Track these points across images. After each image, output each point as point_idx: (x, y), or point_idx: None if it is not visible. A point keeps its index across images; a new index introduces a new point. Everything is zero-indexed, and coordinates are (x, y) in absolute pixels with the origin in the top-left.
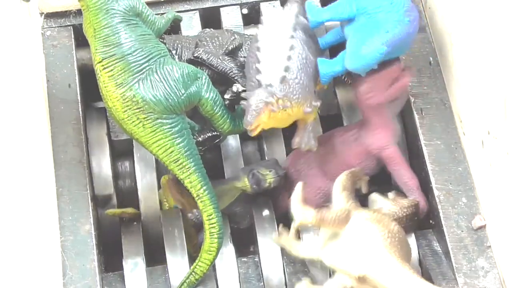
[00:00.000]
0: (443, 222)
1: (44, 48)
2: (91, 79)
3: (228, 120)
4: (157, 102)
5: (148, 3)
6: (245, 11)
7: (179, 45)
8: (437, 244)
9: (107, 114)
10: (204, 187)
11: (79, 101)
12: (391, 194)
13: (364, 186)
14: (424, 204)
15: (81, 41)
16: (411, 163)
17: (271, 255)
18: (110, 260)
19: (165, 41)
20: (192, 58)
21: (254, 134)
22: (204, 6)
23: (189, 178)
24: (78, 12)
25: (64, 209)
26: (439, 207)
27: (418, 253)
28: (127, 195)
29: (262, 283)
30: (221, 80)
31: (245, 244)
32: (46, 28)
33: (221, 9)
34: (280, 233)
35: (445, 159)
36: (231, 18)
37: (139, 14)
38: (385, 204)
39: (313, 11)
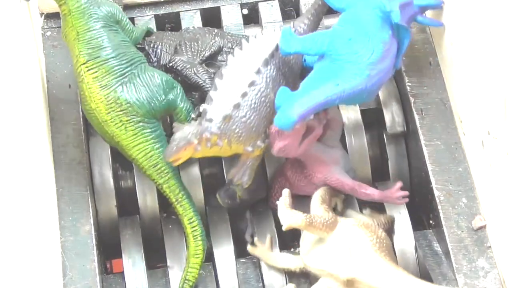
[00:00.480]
0: (443, 223)
1: (44, 49)
2: None
3: None
4: (141, 105)
5: (148, 4)
6: (245, 11)
7: (159, 47)
8: (437, 244)
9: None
10: (183, 192)
11: (79, 101)
12: (366, 211)
13: (340, 204)
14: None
15: None
16: (411, 163)
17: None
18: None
19: (145, 44)
20: (168, 67)
21: (175, 165)
22: (204, 7)
23: (167, 183)
24: None
25: (64, 210)
26: (439, 207)
27: (417, 252)
28: (127, 196)
29: (261, 283)
30: (196, 88)
31: (245, 245)
32: (46, 28)
33: (222, 7)
34: (255, 245)
35: (445, 159)
36: (232, 17)
37: (119, 22)
38: (362, 219)
39: (285, 39)
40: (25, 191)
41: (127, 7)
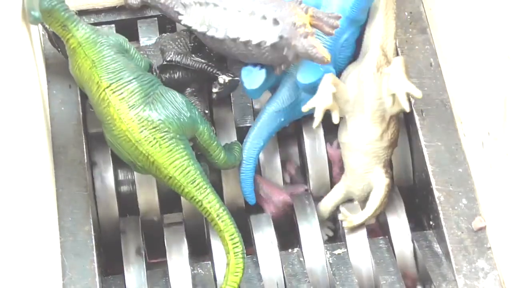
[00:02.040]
0: (443, 223)
1: (45, 49)
2: None
3: (223, 151)
4: (171, 121)
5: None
6: None
7: (145, 55)
8: (437, 245)
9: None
10: (223, 207)
11: (79, 102)
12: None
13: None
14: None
15: None
16: (411, 164)
17: (269, 254)
18: (110, 261)
19: None
20: (165, 63)
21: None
22: None
23: (207, 198)
24: (79, 13)
25: (64, 210)
26: (439, 208)
27: (415, 254)
28: (127, 196)
29: (263, 282)
30: (197, 78)
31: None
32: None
33: None
34: None
35: (445, 160)
36: None
37: (127, 51)
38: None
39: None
40: (25, 191)
41: (127, 8)
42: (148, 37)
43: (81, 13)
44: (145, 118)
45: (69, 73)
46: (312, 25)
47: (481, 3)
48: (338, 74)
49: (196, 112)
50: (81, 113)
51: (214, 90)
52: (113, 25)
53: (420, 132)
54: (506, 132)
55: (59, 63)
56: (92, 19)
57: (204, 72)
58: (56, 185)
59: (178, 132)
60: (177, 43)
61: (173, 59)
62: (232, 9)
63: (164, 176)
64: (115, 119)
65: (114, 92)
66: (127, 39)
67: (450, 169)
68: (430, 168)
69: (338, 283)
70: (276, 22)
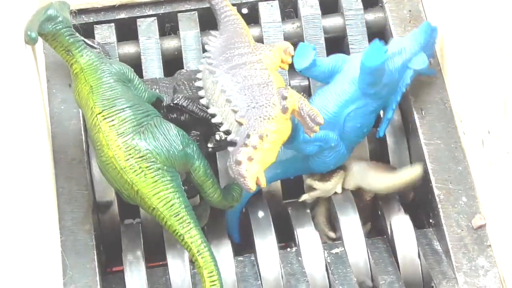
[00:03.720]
0: (443, 221)
1: (45, 48)
2: None
3: (218, 190)
4: (159, 152)
5: (148, 3)
6: (245, 10)
7: (157, 91)
8: (437, 243)
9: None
10: (205, 243)
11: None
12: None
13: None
14: None
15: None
16: (411, 163)
17: (268, 254)
18: (110, 260)
19: None
20: (172, 104)
21: (263, 185)
22: (204, 6)
23: (189, 233)
24: (79, 12)
25: (64, 209)
26: (439, 206)
27: (418, 252)
28: None
29: (260, 281)
30: (202, 123)
31: (242, 244)
32: None
33: None
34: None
35: (445, 158)
36: None
37: (131, 81)
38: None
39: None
40: (25, 190)
41: (127, 7)
42: (147, 36)
43: (81, 12)
44: (132, 146)
45: (69, 72)
46: (296, 117)
47: (481, 2)
48: (349, 142)
49: (194, 148)
50: (81, 113)
51: (209, 145)
52: (112, 24)
53: (419, 131)
54: (506, 130)
55: (59, 63)
56: (91, 18)
57: (207, 121)
58: (57, 184)
59: (165, 164)
60: (190, 84)
61: (180, 103)
62: (221, 85)
63: (147, 206)
64: (103, 145)
65: (105, 119)
66: (132, 70)
67: (450, 167)
68: (429, 166)
69: (337, 282)
70: (239, 123)
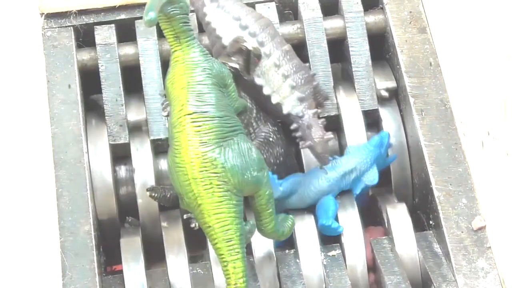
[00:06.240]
0: (443, 223)
1: (45, 49)
2: (91, 79)
3: (274, 222)
4: (234, 173)
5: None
6: None
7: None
8: (437, 245)
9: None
10: (245, 277)
11: (79, 101)
12: None
13: None
14: None
15: (81, 42)
16: (411, 164)
17: (265, 256)
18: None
19: None
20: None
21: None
22: None
23: (234, 263)
24: (79, 13)
25: (64, 210)
26: (439, 208)
27: (418, 254)
28: (127, 196)
29: (258, 283)
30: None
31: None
32: (46, 28)
33: None
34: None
35: (445, 159)
36: None
37: (226, 86)
38: None
39: None
40: (25, 191)
41: (127, 8)
42: (145, 37)
43: (81, 12)
44: (210, 160)
45: (69, 73)
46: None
47: (481, 3)
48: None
49: (265, 173)
50: (81, 113)
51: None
52: (112, 25)
53: (419, 132)
54: (506, 132)
55: (59, 63)
56: (92, 19)
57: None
58: (56, 185)
59: (236, 187)
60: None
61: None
62: (275, 58)
63: (204, 222)
64: (182, 148)
65: (193, 122)
66: (231, 75)
67: (450, 168)
68: (429, 168)
69: (331, 285)
70: (300, 99)
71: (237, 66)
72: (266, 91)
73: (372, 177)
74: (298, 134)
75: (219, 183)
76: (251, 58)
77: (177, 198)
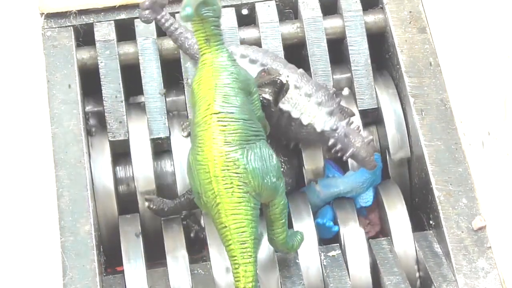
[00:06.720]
0: (443, 223)
1: (44, 49)
2: (91, 79)
3: (285, 233)
4: (255, 176)
5: None
6: (245, 11)
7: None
8: (438, 245)
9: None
10: (254, 283)
11: (79, 101)
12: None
13: None
14: None
15: (81, 42)
16: (411, 164)
17: (266, 255)
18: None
19: None
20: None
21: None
22: None
23: (246, 266)
24: (79, 13)
25: (64, 210)
26: (439, 207)
27: (417, 254)
28: (127, 196)
29: (259, 283)
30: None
31: None
32: (46, 28)
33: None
34: None
35: (445, 159)
36: (226, 20)
37: (251, 93)
38: None
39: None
40: (26, 191)
41: (127, 8)
42: (145, 37)
43: (81, 12)
44: (233, 160)
45: (69, 73)
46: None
47: (481, 3)
48: None
49: (281, 183)
50: (81, 113)
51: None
52: (112, 22)
53: (420, 132)
54: (506, 132)
55: (59, 63)
56: (91, 19)
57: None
58: (57, 185)
59: (255, 190)
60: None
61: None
62: (294, 81)
63: (220, 222)
64: (206, 146)
65: (219, 121)
66: (256, 84)
67: (450, 168)
68: (430, 168)
69: (331, 285)
70: (329, 114)
71: (270, 97)
72: (295, 114)
73: (366, 199)
74: (338, 147)
75: (240, 184)
76: (283, 90)
77: (174, 212)
